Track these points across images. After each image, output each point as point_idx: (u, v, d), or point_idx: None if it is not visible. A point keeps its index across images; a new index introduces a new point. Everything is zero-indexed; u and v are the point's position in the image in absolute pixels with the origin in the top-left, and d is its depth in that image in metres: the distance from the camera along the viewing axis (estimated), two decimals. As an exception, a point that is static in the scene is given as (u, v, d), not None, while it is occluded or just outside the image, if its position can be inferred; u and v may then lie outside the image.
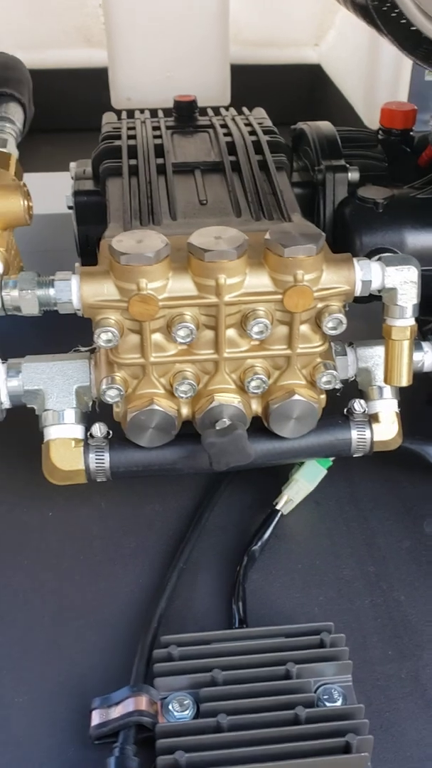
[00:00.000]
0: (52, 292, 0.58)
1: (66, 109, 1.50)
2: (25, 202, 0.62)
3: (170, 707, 0.51)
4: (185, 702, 0.51)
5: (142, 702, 0.51)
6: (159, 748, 0.48)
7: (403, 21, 0.46)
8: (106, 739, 0.50)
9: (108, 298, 0.57)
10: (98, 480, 0.63)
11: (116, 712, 0.51)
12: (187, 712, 0.51)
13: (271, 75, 1.56)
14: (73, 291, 0.57)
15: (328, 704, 0.51)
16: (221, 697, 0.51)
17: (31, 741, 0.52)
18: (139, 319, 0.57)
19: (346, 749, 0.48)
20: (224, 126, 0.80)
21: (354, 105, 1.38)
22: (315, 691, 0.52)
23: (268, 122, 0.82)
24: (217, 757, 0.48)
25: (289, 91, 1.57)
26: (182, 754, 0.47)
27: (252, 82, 1.50)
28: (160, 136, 0.78)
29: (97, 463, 0.63)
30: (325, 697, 0.52)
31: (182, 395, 0.61)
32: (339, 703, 0.51)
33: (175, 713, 0.51)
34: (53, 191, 0.90)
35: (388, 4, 0.49)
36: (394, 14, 0.47)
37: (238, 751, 0.48)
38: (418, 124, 1.00)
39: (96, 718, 0.51)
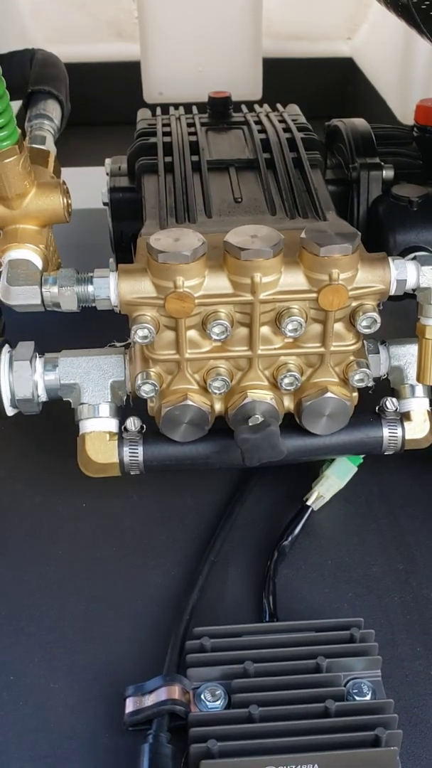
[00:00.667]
0: (90, 289, 0.59)
1: (97, 102, 1.52)
2: (65, 200, 0.63)
3: (202, 697, 0.52)
4: (217, 692, 0.52)
5: (175, 691, 0.52)
6: (192, 736, 0.50)
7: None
8: (139, 726, 0.51)
9: (145, 295, 0.58)
10: (131, 473, 0.64)
11: (150, 700, 0.52)
12: (218, 702, 0.52)
13: (303, 68, 1.56)
14: (111, 288, 0.58)
15: (357, 698, 0.52)
16: (253, 689, 0.52)
17: (65, 727, 0.54)
18: (175, 316, 0.58)
19: (376, 743, 0.49)
20: (258, 123, 0.81)
21: (386, 100, 1.38)
22: (345, 685, 0.53)
23: (302, 119, 0.82)
24: (249, 747, 0.49)
25: (321, 85, 1.57)
26: (215, 742, 0.48)
27: (284, 76, 1.50)
28: (194, 133, 0.78)
29: (130, 456, 0.64)
30: (354, 691, 0.52)
31: (216, 391, 0.62)
32: (368, 697, 0.52)
33: (207, 703, 0.52)
34: (87, 186, 0.91)
35: (428, 2, 0.49)
36: None
37: (269, 742, 0.49)
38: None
39: (130, 705, 0.52)
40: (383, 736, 0.49)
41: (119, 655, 0.58)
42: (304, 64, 1.55)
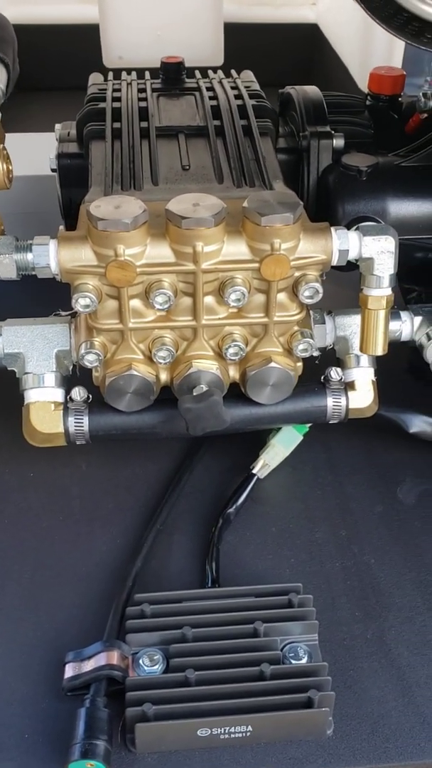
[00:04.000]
0: (30, 256, 0.58)
1: (58, 66, 1.48)
2: (5, 166, 0.62)
3: (141, 662, 0.53)
4: (155, 657, 0.53)
5: (114, 656, 0.53)
6: (128, 700, 0.50)
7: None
8: (78, 691, 0.52)
9: (85, 263, 0.57)
10: (77, 443, 0.64)
11: (89, 665, 0.53)
12: (156, 666, 0.53)
13: (267, 34, 1.54)
14: (51, 256, 0.58)
15: (293, 662, 0.53)
16: (190, 653, 0.53)
17: (6, 692, 0.54)
18: (117, 285, 0.58)
19: (308, 704, 0.50)
20: (210, 89, 0.80)
21: (349, 67, 1.37)
22: (281, 649, 0.54)
23: (256, 86, 0.81)
24: (184, 710, 0.50)
25: (285, 51, 1.55)
26: (150, 706, 0.49)
27: (248, 42, 1.48)
28: (145, 99, 0.77)
29: (76, 426, 0.64)
30: (290, 654, 0.54)
31: (161, 361, 0.62)
32: (304, 660, 0.53)
33: (145, 668, 0.53)
34: (39, 152, 0.89)
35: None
36: None
37: (204, 705, 0.50)
38: (412, 89, 1.00)
39: (69, 671, 0.53)
40: (315, 698, 0.50)
41: (63, 621, 0.59)
42: (268, 30, 1.53)
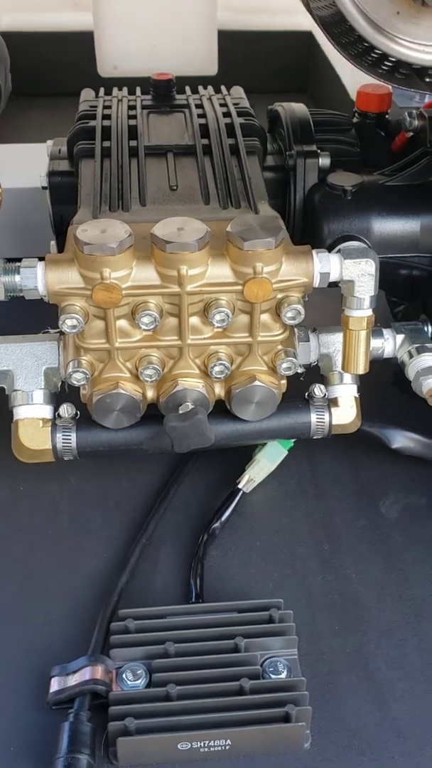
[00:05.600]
0: (18, 278, 0.59)
1: (53, 72, 1.50)
2: (-6, 188, 0.63)
3: (124, 676, 0.54)
4: (138, 672, 0.54)
5: (98, 671, 0.54)
6: (111, 714, 0.52)
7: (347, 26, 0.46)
8: (63, 704, 0.54)
9: (72, 285, 0.59)
10: (65, 458, 0.66)
11: (73, 679, 0.54)
12: (139, 681, 0.54)
13: (261, 42, 1.55)
14: (38, 278, 0.59)
15: (273, 676, 0.55)
16: (172, 668, 0.54)
17: (-7, 705, 0.56)
18: (103, 307, 0.59)
19: (286, 719, 0.52)
20: (200, 106, 0.81)
21: (341, 76, 1.38)
22: (261, 664, 0.55)
23: (245, 103, 0.82)
24: (165, 724, 0.51)
25: (279, 59, 1.56)
26: (132, 720, 0.51)
27: (242, 49, 1.49)
28: (135, 117, 0.78)
29: (63, 442, 0.65)
30: (270, 669, 0.55)
31: (147, 379, 0.63)
32: (283, 675, 0.55)
33: (129, 682, 0.54)
34: (31, 163, 0.91)
35: (338, 19, 0.48)
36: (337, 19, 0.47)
37: (184, 719, 0.51)
38: (403, 100, 1.01)
39: (54, 685, 0.54)
40: (293, 712, 0.52)
41: (50, 635, 0.60)
42: (262, 37, 1.54)
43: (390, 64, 0.48)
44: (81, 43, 1.40)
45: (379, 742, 0.54)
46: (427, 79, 0.50)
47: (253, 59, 1.53)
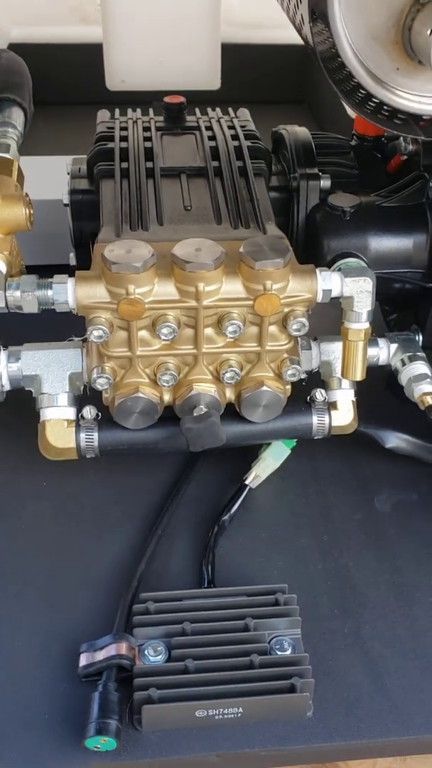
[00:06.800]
0: (50, 293, 0.65)
1: (61, 84, 1.55)
2: (27, 211, 0.68)
3: (146, 652, 0.60)
4: (159, 648, 0.60)
5: (123, 648, 0.60)
6: (136, 685, 0.58)
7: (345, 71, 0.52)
8: (91, 677, 0.60)
9: (100, 300, 0.65)
10: (88, 456, 0.72)
11: (101, 655, 0.60)
12: (160, 657, 0.60)
13: (261, 55, 1.61)
14: (69, 293, 0.65)
15: (279, 653, 0.61)
16: (189, 645, 0.60)
17: (28, 679, 0.62)
18: (127, 319, 0.65)
19: (291, 690, 0.58)
20: (209, 128, 0.86)
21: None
22: (268, 642, 0.61)
23: (251, 125, 0.88)
24: (184, 694, 0.57)
25: (278, 71, 1.62)
26: (155, 690, 0.57)
27: (242, 62, 1.54)
28: (150, 138, 0.84)
29: (86, 441, 0.71)
30: (276, 647, 0.61)
31: (164, 384, 0.69)
32: (288, 652, 0.61)
33: (150, 657, 0.60)
34: (48, 176, 0.96)
35: (336, 63, 0.53)
36: (338, 65, 0.53)
37: (201, 690, 0.58)
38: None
39: (83, 660, 0.60)
40: (298, 684, 0.58)
41: (76, 617, 0.66)
42: (262, 51, 1.60)
43: (388, 110, 0.54)
44: (88, 55, 1.45)
45: (375, 712, 0.60)
46: (422, 123, 0.57)
47: (253, 71, 1.59)
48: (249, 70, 1.57)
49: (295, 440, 0.77)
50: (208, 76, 1.35)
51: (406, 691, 0.62)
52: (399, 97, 0.52)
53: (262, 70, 1.60)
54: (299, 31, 0.60)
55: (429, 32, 0.48)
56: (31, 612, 0.66)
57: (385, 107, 0.53)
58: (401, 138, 0.84)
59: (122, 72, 1.34)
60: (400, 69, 0.51)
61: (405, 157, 0.84)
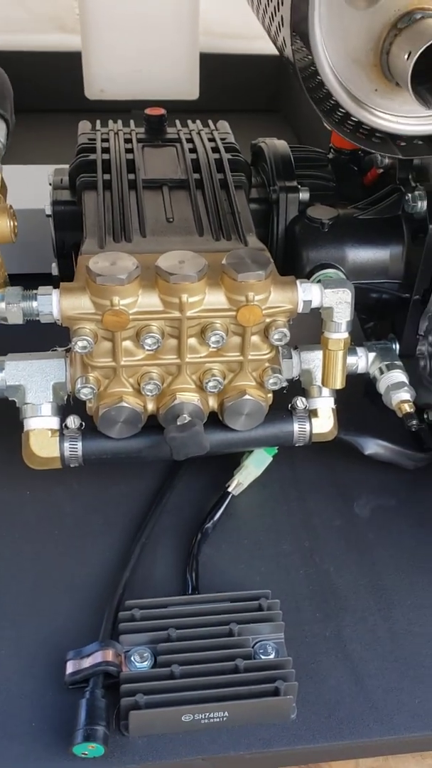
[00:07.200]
0: (35, 304, 0.66)
1: (39, 91, 1.55)
2: (11, 223, 0.69)
3: (132, 659, 0.61)
4: (145, 654, 0.61)
5: (109, 654, 0.61)
6: (123, 691, 0.59)
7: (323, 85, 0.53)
8: (78, 684, 0.60)
9: (84, 311, 0.65)
10: (72, 465, 0.72)
11: (87, 662, 0.61)
12: (146, 663, 0.61)
13: (240, 65, 1.62)
14: (53, 304, 0.65)
15: (263, 657, 0.62)
16: (175, 651, 0.61)
17: (15, 688, 0.62)
18: (112, 330, 0.66)
19: (275, 693, 0.59)
20: (190, 141, 0.88)
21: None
22: (253, 647, 0.63)
23: (231, 138, 0.89)
24: (170, 699, 0.58)
25: (257, 81, 1.64)
26: (142, 696, 0.58)
27: (221, 71, 1.56)
28: (131, 150, 0.85)
29: (70, 451, 0.72)
30: (260, 651, 0.62)
31: (148, 393, 0.70)
32: (272, 656, 0.62)
33: (136, 664, 0.61)
34: (29, 185, 0.97)
35: (316, 83, 0.55)
36: (317, 83, 0.55)
37: (187, 694, 0.59)
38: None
39: (70, 667, 0.61)
40: (282, 687, 0.59)
41: (61, 625, 0.67)
42: (240, 61, 1.62)
43: (367, 130, 0.56)
44: (67, 63, 1.46)
45: (356, 713, 0.62)
46: (400, 143, 0.58)
47: (231, 81, 1.61)
48: (227, 79, 1.59)
49: (277, 448, 0.78)
50: (187, 86, 1.36)
51: (386, 692, 0.63)
52: (377, 118, 0.54)
53: (240, 80, 1.62)
54: (281, 51, 0.61)
55: (406, 56, 0.49)
56: (16, 621, 0.67)
57: (363, 127, 0.55)
58: (379, 154, 0.86)
59: (101, 81, 1.35)
60: (378, 90, 0.53)
61: (381, 171, 0.86)
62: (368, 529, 0.77)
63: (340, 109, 0.55)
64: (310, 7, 0.49)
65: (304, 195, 0.82)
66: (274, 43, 0.62)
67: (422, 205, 0.75)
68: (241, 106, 1.57)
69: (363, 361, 0.78)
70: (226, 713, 0.59)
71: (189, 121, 0.93)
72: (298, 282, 0.68)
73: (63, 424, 0.72)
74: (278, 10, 0.57)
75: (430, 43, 0.48)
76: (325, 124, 0.57)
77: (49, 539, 0.74)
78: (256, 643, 0.63)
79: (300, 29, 0.52)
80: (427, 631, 0.68)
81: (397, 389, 0.75)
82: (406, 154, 0.61)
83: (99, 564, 0.72)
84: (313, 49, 0.51)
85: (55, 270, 0.85)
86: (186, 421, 0.69)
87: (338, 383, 0.72)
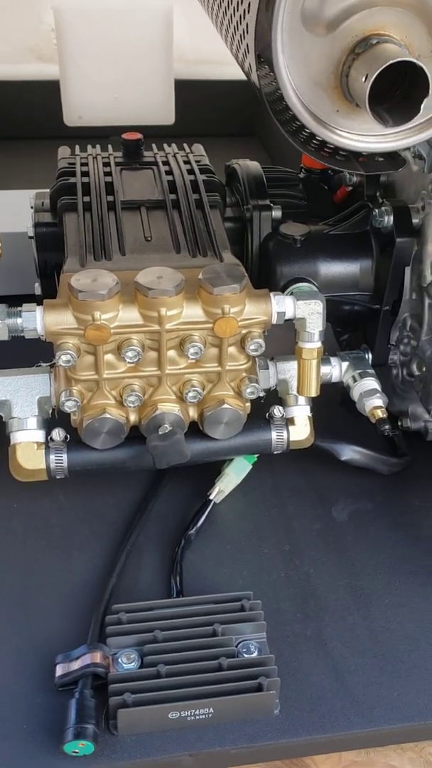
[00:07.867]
0: (19, 321, 0.68)
1: (18, 119, 1.59)
2: (-5, 243, 0.72)
3: (120, 660, 0.63)
4: (132, 656, 0.63)
5: (97, 656, 0.63)
6: (111, 691, 0.61)
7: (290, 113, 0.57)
8: (67, 686, 0.62)
9: (67, 326, 0.68)
10: (58, 477, 0.75)
11: (76, 665, 0.63)
12: (133, 664, 0.63)
13: (213, 90, 1.67)
14: (37, 320, 0.68)
15: (246, 655, 0.64)
16: (161, 652, 0.63)
17: (5, 691, 0.64)
18: (94, 344, 0.69)
19: (259, 689, 0.62)
20: (166, 163, 0.91)
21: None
22: (236, 646, 0.65)
23: (206, 160, 0.93)
24: (157, 697, 0.60)
25: (230, 106, 1.69)
26: (129, 695, 0.60)
27: (195, 97, 1.61)
28: (110, 173, 0.88)
29: (56, 463, 0.74)
30: (243, 650, 0.65)
31: (130, 405, 0.73)
32: (255, 654, 0.64)
33: (124, 665, 0.63)
34: (13, 209, 1.00)
35: (282, 106, 0.58)
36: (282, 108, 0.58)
37: (173, 692, 0.61)
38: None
39: (59, 670, 0.63)
40: (265, 683, 0.61)
41: (50, 630, 0.68)
42: (214, 86, 1.67)
43: (331, 148, 0.60)
44: (45, 92, 1.50)
45: (337, 707, 0.64)
46: (362, 160, 0.62)
47: (206, 106, 1.65)
48: (202, 104, 1.63)
49: (256, 455, 0.81)
50: (163, 112, 1.41)
51: (365, 687, 0.66)
52: (340, 137, 0.57)
53: (215, 105, 1.67)
54: (248, 76, 0.65)
55: (363, 78, 0.53)
56: (6, 627, 0.69)
57: (328, 145, 0.59)
58: (346, 171, 0.90)
59: (79, 108, 1.39)
60: (340, 111, 0.57)
61: (350, 189, 0.90)
62: (346, 532, 0.79)
63: (305, 130, 0.58)
64: (273, 35, 0.53)
65: (277, 213, 0.85)
66: (242, 68, 0.66)
67: (389, 219, 0.78)
68: (217, 130, 1.61)
69: (337, 370, 0.81)
70: (212, 710, 0.61)
71: (165, 145, 0.97)
72: (271, 294, 0.71)
73: (48, 437, 0.74)
74: (244, 39, 0.60)
75: (385, 66, 0.52)
76: (291, 142, 0.60)
77: (37, 549, 0.76)
78: (239, 642, 0.65)
79: (265, 55, 0.56)
80: (404, 628, 0.70)
81: (370, 396, 0.79)
82: (369, 171, 0.64)
83: (86, 571, 0.74)
84: (277, 73, 0.54)
85: (38, 290, 0.87)
86: (167, 431, 0.72)
87: (313, 391, 0.75)
